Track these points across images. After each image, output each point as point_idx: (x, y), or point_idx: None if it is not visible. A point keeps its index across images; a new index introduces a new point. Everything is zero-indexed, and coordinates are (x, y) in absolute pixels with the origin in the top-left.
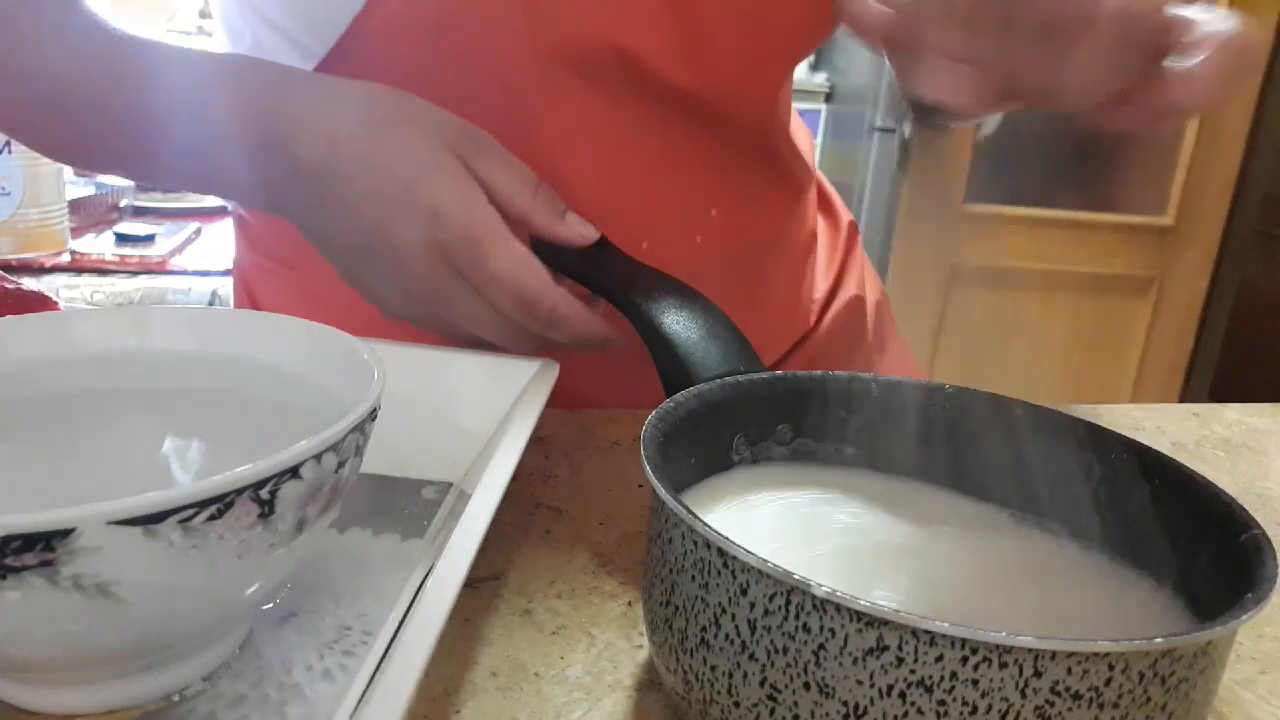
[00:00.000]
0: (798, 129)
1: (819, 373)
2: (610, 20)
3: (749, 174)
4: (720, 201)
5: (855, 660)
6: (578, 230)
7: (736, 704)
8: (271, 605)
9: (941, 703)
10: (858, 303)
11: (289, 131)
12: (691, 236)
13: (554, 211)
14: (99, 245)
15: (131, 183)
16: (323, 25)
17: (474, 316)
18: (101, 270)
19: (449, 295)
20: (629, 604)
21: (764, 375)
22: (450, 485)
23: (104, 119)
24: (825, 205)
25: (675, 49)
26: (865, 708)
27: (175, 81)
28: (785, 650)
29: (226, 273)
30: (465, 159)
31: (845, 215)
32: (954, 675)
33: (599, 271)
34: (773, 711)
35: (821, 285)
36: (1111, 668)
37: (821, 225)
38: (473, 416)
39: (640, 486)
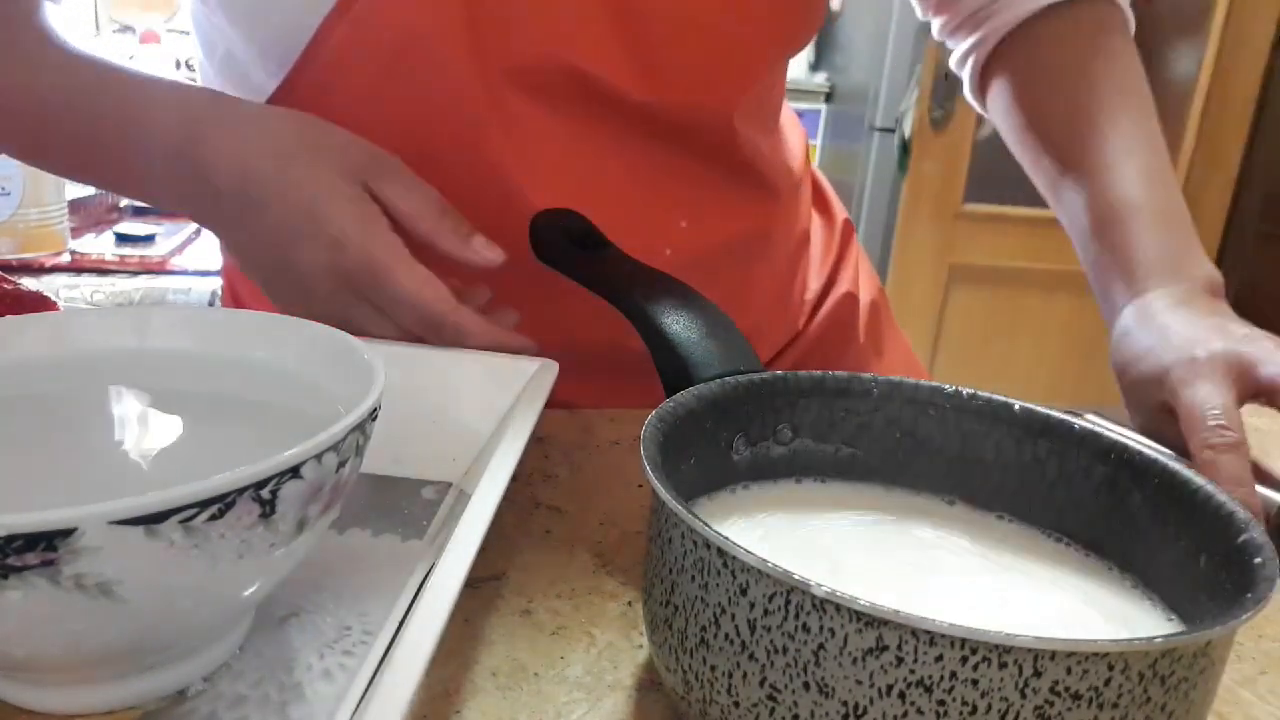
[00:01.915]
0: (789, 129)
1: (819, 373)
2: (558, 38)
3: (718, 183)
4: (689, 213)
5: (855, 660)
6: (483, 254)
7: (736, 704)
8: (271, 605)
9: (941, 703)
10: (849, 300)
11: (208, 159)
12: (661, 250)
13: (459, 235)
14: (99, 245)
15: None
16: (276, 49)
17: (382, 332)
18: (101, 270)
19: (355, 315)
20: (629, 604)
21: (764, 375)
22: (450, 485)
23: (51, 133)
24: (821, 203)
25: (626, 64)
26: (865, 708)
27: (111, 105)
28: (785, 650)
29: None
30: (371, 185)
31: (840, 213)
32: (954, 675)
33: (600, 272)
34: (773, 711)
35: (814, 285)
36: (1111, 668)
37: (816, 223)
38: (473, 416)
39: (640, 486)
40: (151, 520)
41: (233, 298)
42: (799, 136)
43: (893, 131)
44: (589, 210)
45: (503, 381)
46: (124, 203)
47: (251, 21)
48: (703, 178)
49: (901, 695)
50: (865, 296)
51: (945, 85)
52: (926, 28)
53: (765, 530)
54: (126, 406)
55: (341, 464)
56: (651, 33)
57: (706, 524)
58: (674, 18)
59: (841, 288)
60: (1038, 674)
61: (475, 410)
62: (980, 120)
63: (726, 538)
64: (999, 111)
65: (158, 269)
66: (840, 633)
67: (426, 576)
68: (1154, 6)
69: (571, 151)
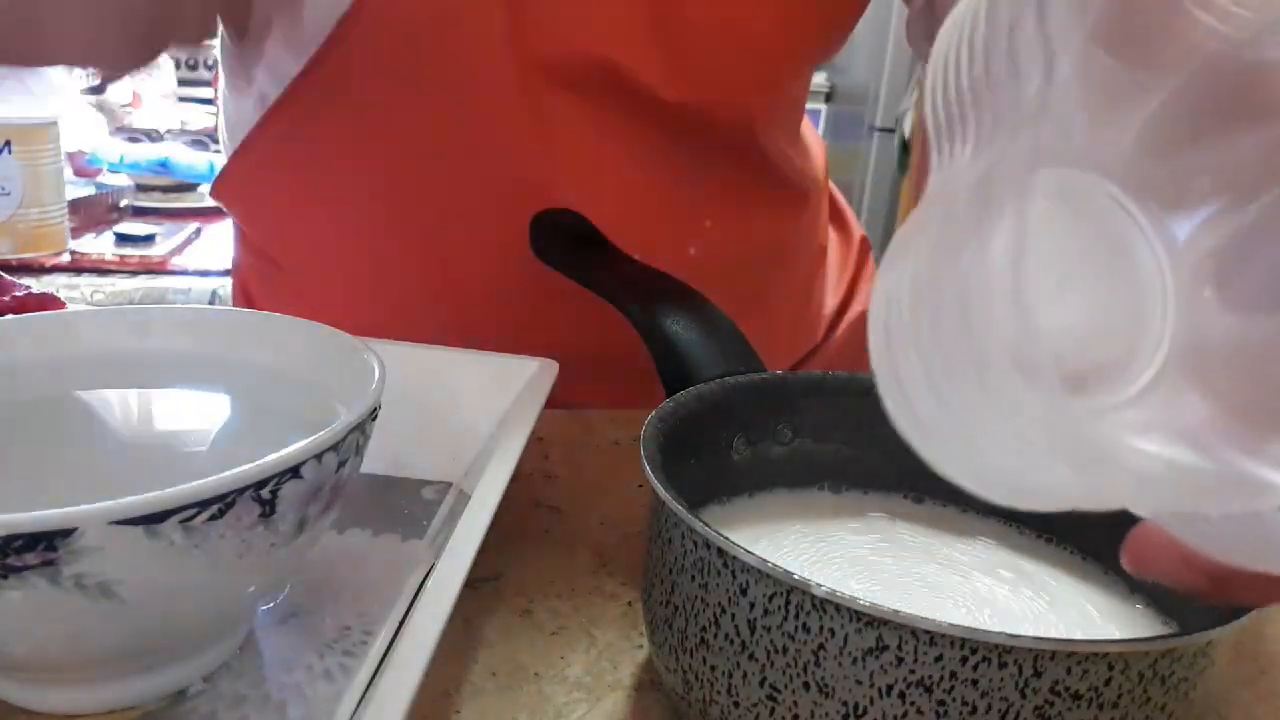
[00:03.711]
0: (810, 139)
1: (819, 373)
2: (595, 33)
3: (744, 185)
4: (714, 213)
5: (855, 660)
6: None
7: (736, 704)
8: (271, 605)
9: (941, 703)
10: (866, 319)
11: None
12: (685, 248)
13: None
14: (99, 245)
15: (131, 183)
16: (307, 26)
17: None
18: (101, 270)
19: None
20: (629, 604)
21: (764, 375)
22: (450, 485)
23: None
24: (838, 219)
25: (660, 61)
26: (865, 708)
27: None
28: (785, 650)
29: (226, 273)
30: None
31: (858, 230)
32: (954, 675)
33: (600, 272)
34: (772, 711)
35: (831, 300)
36: (1111, 668)
37: (833, 239)
38: (472, 416)
39: (640, 486)
40: (151, 520)
41: (244, 296)
42: (819, 147)
43: (893, 131)
44: (615, 206)
45: (502, 381)
46: (124, 202)
47: None
48: (730, 179)
49: (901, 695)
50: None
51: None
52: None
53: (770, 537)
54: (126, 407)
55: (341, 464)
56: (688, 32)
57: (706, 524)
58: (712, 19)
59: (858, 306)
60: (1038, 674)
61: (475, 410)
62: None
63: (726, 537)
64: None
65: (158, 269)
66: (840, 633)
67: (426, 577)
68: None
69: (600, 147)
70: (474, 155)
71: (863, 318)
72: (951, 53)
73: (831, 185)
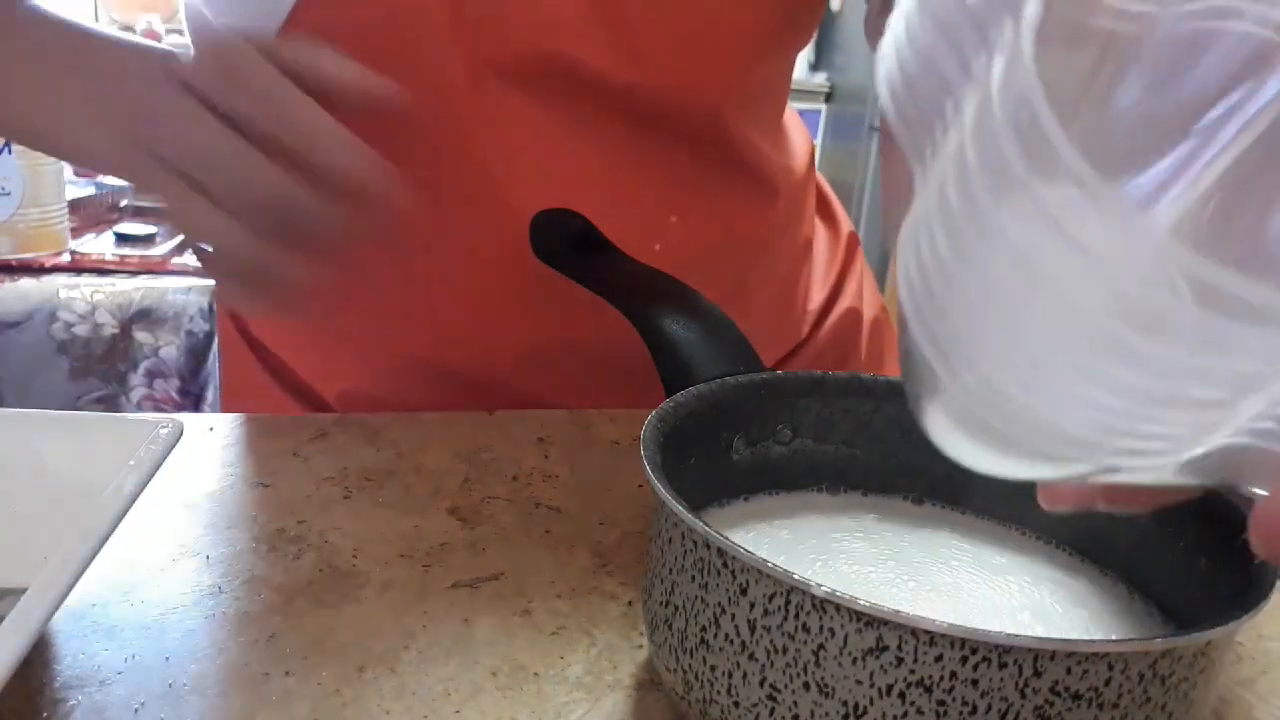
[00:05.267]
0: (794, 132)
1: (819, 373)
2: (540, 26)
3: (711, 179)
4: (679, 208)
5: (855, 660)
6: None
7: (736, 704)
8: None
9: (941, 703)
10: (853, 315)
11: None
12: (650, 244)
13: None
14: (99, 245)
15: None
16: (253, 27)
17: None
18: (101, 270)
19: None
20: (629, 604)
21: (764, 375)
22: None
23: None
24: (826, 213)
25: (611, 51)
26: (865, 708)
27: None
28: (785, 650)
29: None
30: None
31: (846, 225)
32: (954, 675)
33: (599, 272)
34: (772, 711)
35: (817, 296)
36: (1111, 668)
37: (821, 233)
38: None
39: (640, 486)
40: None
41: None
42: (804, 140)
43: None
44: (576, 203)
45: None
46: (124, 202)
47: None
48: (695, 174)
49: (901, 695)
50: (868, 313)
51: None
52: None
53: (771, 539)
54: None
55: None
56: (633, 17)
57: (706, 524)
58: (656, 3)
59: (845, 302)
60: (1038, 674)
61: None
62: None
63: (726, 537)
64: None
65: (158, 269)
66: (840, 633)
67: None
68: None
69: (557, 143)
70: (431, 156)
71: (849, 313)
72: (897, 50)
73: (820, 177)
